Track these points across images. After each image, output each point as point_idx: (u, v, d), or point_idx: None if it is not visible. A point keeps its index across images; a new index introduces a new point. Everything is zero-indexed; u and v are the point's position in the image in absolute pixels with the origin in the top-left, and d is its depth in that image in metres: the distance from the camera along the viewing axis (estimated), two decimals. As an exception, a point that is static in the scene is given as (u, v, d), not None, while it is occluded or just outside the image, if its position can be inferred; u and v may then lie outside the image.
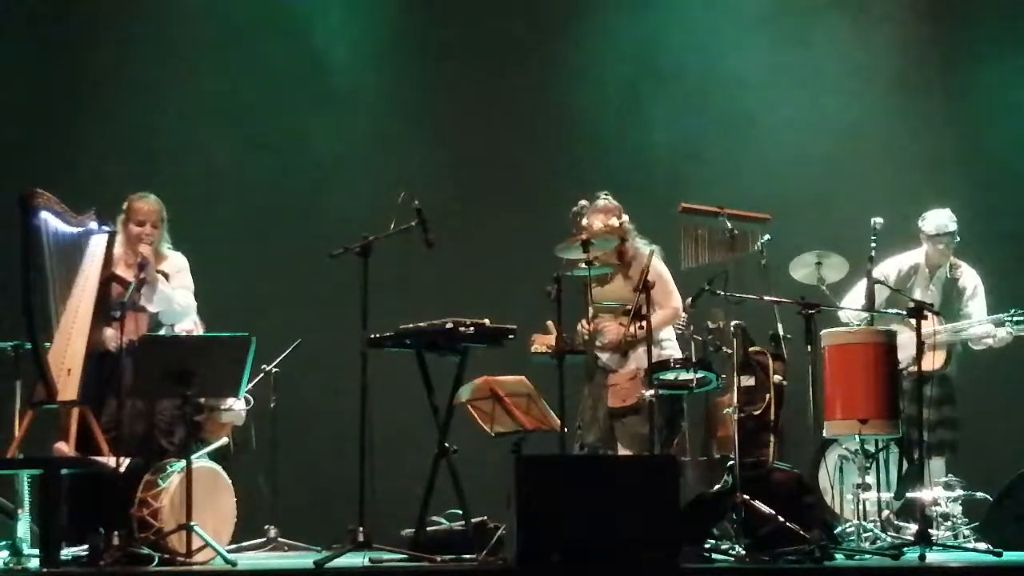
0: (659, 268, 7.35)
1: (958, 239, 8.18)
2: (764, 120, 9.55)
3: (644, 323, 6.93)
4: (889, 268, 8.16)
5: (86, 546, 6.61)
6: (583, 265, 7.01)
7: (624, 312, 7.30)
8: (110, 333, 6.93)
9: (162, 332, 7.24)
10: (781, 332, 7.18)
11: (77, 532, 6.74)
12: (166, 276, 7.22)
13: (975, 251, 8.42)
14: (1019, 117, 9.51)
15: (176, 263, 7.31)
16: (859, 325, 7.80)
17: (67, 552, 6.73)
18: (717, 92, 9.67)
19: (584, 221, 7.48)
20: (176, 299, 7.22)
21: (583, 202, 7.53)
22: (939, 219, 8.17)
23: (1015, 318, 7.90)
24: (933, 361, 7.66)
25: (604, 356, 7.44)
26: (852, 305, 7.90)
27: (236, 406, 8.08)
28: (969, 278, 8.23)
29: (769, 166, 9.43)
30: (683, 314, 7.47)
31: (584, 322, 7.34)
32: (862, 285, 7.88)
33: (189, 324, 7.94)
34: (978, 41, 9.70)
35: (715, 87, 9.69)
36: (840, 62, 9.70)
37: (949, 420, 8.06)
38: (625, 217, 7.53)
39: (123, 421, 6.72)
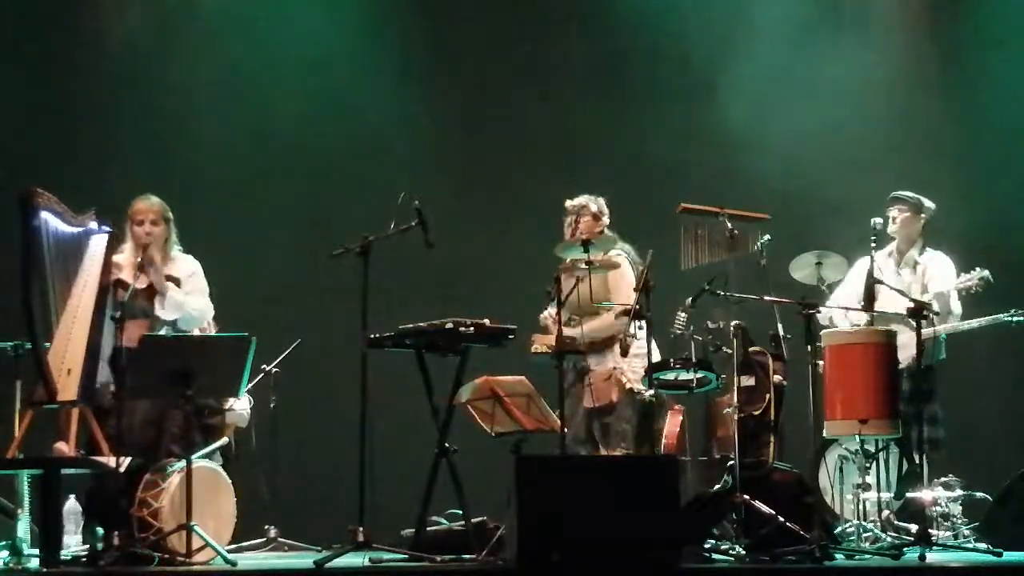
0: (625, 270, 7.43)
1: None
2: (764, 120, 9.55)
3: (644, 323, 6.96)
4: (861, 270, 7.80)
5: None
6: (583, 265, 7.03)
7: (624, 313, 7.31)
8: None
9: (162, 332, 7.24)
10: (781, 332, 7.17)
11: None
12: (177, 282, 7.19)
13: (979, 247, 8.39)
14: (1019, 113, 9.52)
15: (187, 267, 7.27)
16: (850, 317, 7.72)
17: (67, 552, 6.74)
18: (717, 92, 9.66)
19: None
20: (190, 304, 7.19)
21: (576, 200, 7.62)
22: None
23: (1015, 317, 7.87)
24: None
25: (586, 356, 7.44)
26: (841, 299, 7.77)
27: (239, 407, 8.09)
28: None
29: (769, 166, 9.43)
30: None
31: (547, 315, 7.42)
32: (847, 281, 7.76)
33: (203, 323, 7.95)
34: (978, 37, 9.71)
35: (715, 87, 9.69)
36: (841, 63, 9.70)
37: (931, 417, 7.72)
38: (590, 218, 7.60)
39: (128, 424, 6.73)
